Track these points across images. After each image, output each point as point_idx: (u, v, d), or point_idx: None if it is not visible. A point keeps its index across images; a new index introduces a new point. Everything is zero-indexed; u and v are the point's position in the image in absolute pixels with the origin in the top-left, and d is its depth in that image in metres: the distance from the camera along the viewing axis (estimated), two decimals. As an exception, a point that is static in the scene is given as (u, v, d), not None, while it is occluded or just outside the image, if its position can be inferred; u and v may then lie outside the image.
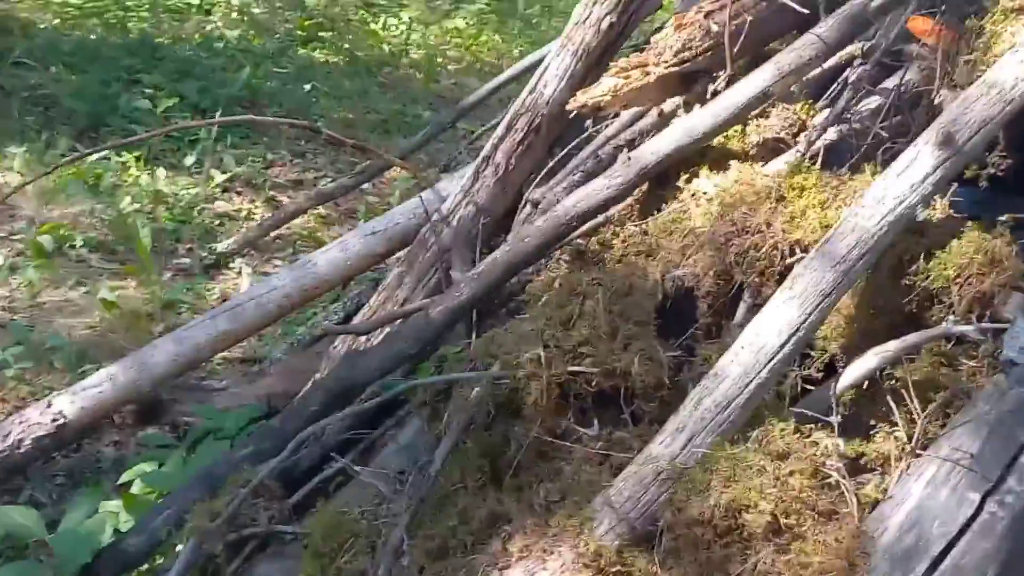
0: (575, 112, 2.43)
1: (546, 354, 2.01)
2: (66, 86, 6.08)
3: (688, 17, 2.35)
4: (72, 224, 4.76)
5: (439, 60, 7.85)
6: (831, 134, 2.15)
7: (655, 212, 2.29)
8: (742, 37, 2.27)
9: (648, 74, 2.34)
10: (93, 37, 6.94)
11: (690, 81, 2.37)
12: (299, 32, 7.73)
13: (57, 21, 7.16)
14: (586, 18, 2.76)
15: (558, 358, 2.01)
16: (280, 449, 2.40)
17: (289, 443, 2.39)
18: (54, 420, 2.78)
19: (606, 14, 2.74)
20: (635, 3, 2.74)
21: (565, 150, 2.82)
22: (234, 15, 7.71)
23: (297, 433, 2.41)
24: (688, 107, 2.38)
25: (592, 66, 2.79)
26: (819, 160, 2.12)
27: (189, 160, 5.44)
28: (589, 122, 2.88)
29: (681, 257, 2.10)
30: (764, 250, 1.96)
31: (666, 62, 2.28)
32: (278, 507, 2.37)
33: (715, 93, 2.32)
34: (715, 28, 2.31)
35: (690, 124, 2.20)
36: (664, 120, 2.40)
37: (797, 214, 1.99)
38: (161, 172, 5.32)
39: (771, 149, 2.25)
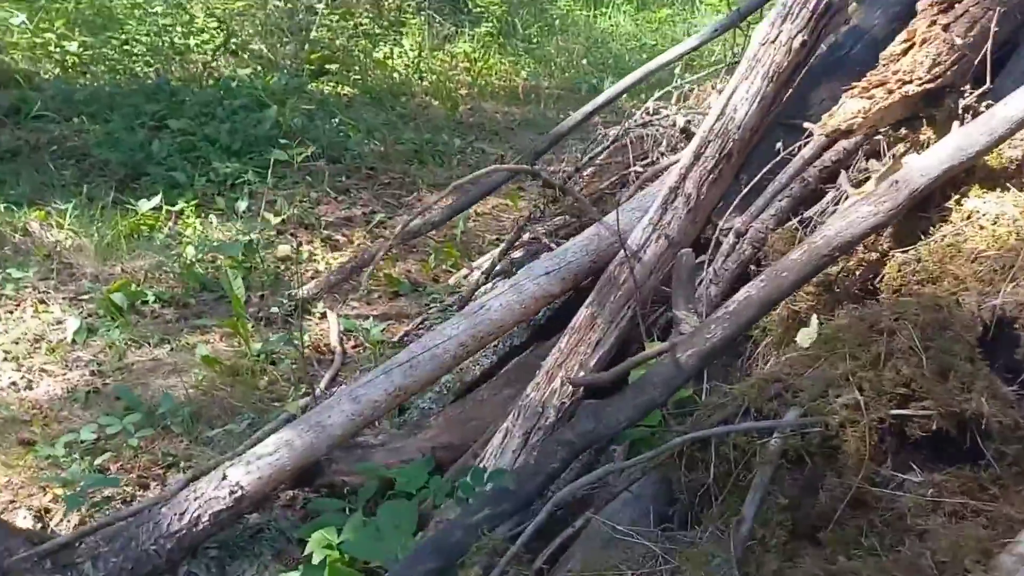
0: (827, 136, 2.28)
1: (864, 397, 1.85)
2: (92, 136, 5.75)
3: (923, 30, 2.21)
4: (139, 279, 4.46)
5: (450, 85, 7.66)
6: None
7: (919, 237, 2.15)
8: (988, 46, 2.14)
9: (892, 93, 2.20)
10: (103, 84, 6.60)
11: (934, 98, 2.24)
12: (307, 66, 7.46)
13: (59, 70, 6.79)
14: (775, 37, 2.62)
15: (876, 401, 1.85)
16: (518, 510, 2.21)
17: (531, 503, 2.19)
18: (232, 492, 2.53)
19: (798, 32, 2.60)
20: (824, 19, 2.60)
21: (758, 175, 2.67)
22: (240, 53, 7.42)
23: (541, 492, 2.21)
24: (941, 125, 2.25)
25: (782, 87, 2.65)
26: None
27: (241, 205, 5.16)
28: (780, 145, 2.74)
29: (981, 284, 1.95)
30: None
31: (920, 79, 2.14)
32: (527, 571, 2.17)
33: (969, 108, 2.20)
34: (959, 41, 2.18)
35: (962, 142, 2.06)
36: (894, 142, 2.27)
37: None
38: (213, 219, 5.05)
39: (1036, 165, 2.13)
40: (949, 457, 1.86)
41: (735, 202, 2.67)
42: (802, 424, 1.90)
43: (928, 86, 2.13)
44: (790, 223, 2.54)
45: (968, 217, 2.07)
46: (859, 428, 1.83)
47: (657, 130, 3.99)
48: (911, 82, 2.14)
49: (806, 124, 2.68)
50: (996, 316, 1.88)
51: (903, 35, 2.25)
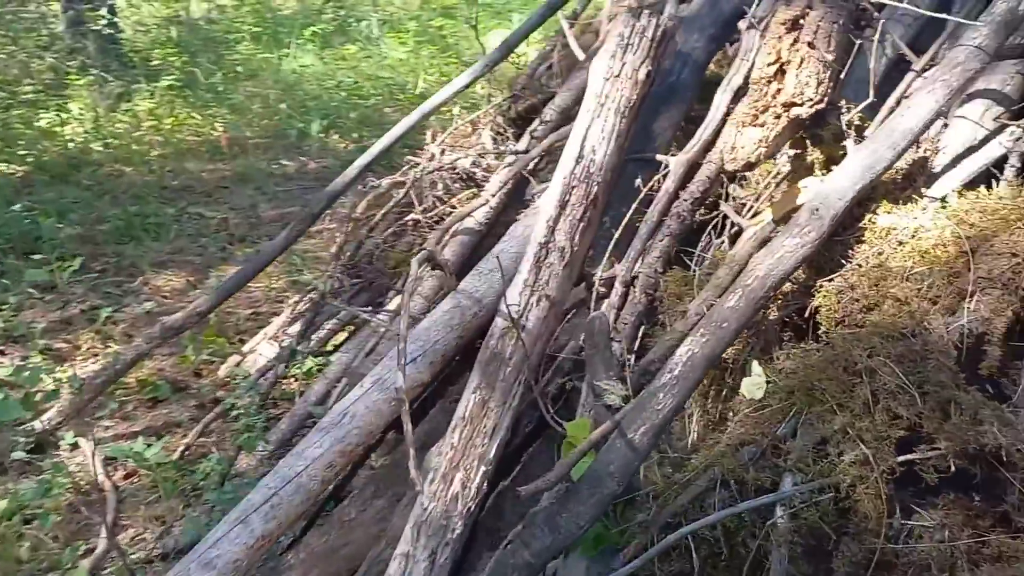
0: (738, 171, 2.11)
1: (869, 450, 1.69)
2: None
3: (788, 49, 2.13)
4: None
5: (139, 148, 6.80)
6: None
7: (838, 262, 2.06)
8: (872, 60, 2.11)
9: (779, 117, 2.09)
10: None
11: (819, 117, 2.16)
12: (-41, 147, 6.27)
13: None
14: (620, 71, 2.43)
15: (880, 451, 1.70)
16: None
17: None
18: None
19: (641, 63, 2.43)
20: (662, 47, 2.46)
21: (625, 217, 2.48)
22: None
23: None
24: (828, 144, 2.17)
25: (633, 120, 2.47)
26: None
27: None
28: (639, 182, 2.56)
29: (928, 303, 1.88)
30: (1068, 276, 1.80)
31: (811, 99, 2.05)
32: None
33: (851, 124, 2.14)
34: (829, 57, 2.12)
35: (869, 160, 1.98)
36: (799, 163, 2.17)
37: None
38: None
39: (926, 171, 2.12)
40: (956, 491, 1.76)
41: (608, 248, 2.45)
42: (810, 491, 1.70)
43: (819, 106, 2.05)
44: (675, 265, 2.38)
45: (886, 235, 2.01)
46: (870, 484, 1.68)
47: (441, 176, 3.71)
48: (801, 104, 2.04)
49: (659, 156, 2.53)
50: (963, 335, 1.81)
51: (768, 56, 2.15)
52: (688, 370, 1.95)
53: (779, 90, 2.10)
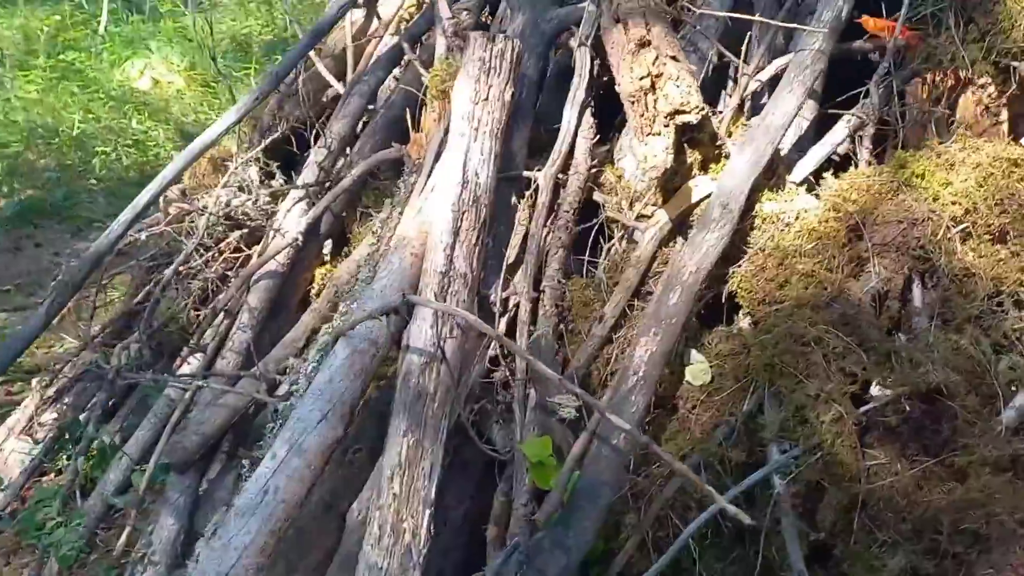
0: (658, 178, 2.21)
1: (841, 407, 1.90)
2: None
3: (652, 63, 2.30)
4: None
5: None
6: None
7: (739, 248, 2.26)
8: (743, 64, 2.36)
9: (668, 126, 2.25)
10: None
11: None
12: None
13: None
14: (487, 94, 2.45)
15: (847, 407, 1.92)
16: None
17: None
18: None
19: (505, 84, 2.47)
20: (519, 67, 2.53)
21: (509, 236, 2.51)
22: None
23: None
24: (706, 146, 2.36)
25: (505, 142, 2.51)
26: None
27: None
28: (514, 200, 2.60)
29: (831, 273, 2.13)
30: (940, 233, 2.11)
31: (697, 107, 2.22)
32: None
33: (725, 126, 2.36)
34: (692, 68, 2.33)
35: (753, 156, 2.20)
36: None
37: (955, 191, 2.16)
38: None
39: (784, 162, 2.39)
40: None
41: (503, 267, 2.47)
42: (804, 455, 1.88)
43: (703, 112, 2.24)
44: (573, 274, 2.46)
45: (775, 220, 2.25)
46: (845, 437, 1.89)
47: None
48: (689, 111, 2.21)
49: (526, 173, 2.59)
50: (873, 296, 2.09)
51: (639, 71, 2.30)
52: (650, 368, 2.04)
53: (656, 100, 2.25)
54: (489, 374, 2.47)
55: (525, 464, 2.20)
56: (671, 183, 2.39)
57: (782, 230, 2.23)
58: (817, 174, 2.40)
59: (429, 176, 2.90)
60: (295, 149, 4.02)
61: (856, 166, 2.33)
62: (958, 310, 2.05)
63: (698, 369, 2.13)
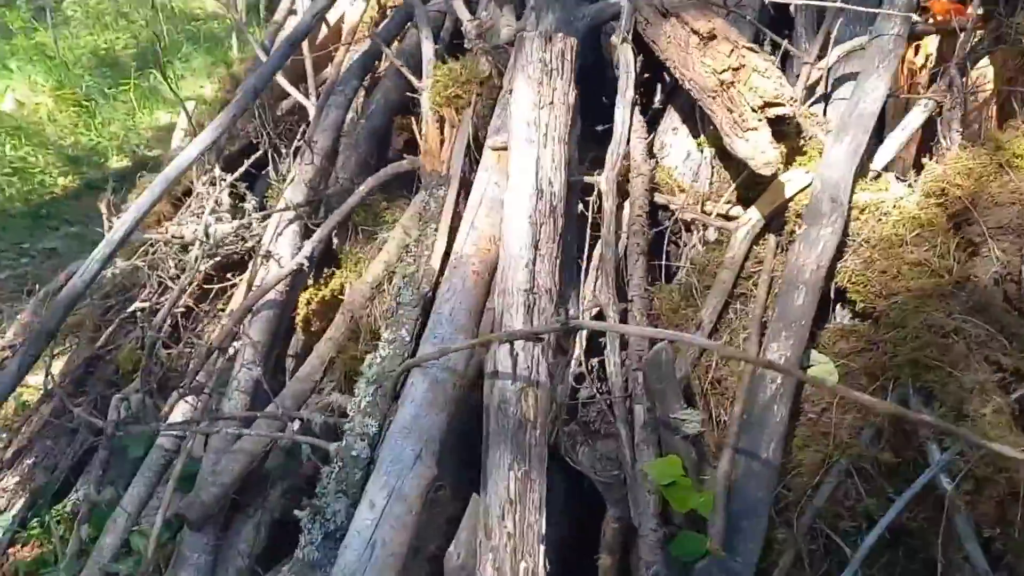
0: (770, 174, 2.09)
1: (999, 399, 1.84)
2: None
3: (733, 58, 2.20)
4: None
5: None
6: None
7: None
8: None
9: (762, 120, 2.16)
10: None
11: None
12: None
13: None
14: (551, 98, 2.28)
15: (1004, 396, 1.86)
16: None
17: None
18: None
19: (569, 87, 2.31)
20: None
21: (587, 246, 2.34)
22: None
23: None
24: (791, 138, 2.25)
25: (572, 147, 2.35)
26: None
27: None
28: (580, 207, 2.44)
29: (943, 260, 2.06)
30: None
31: (791, 98, 2.13)
32: None
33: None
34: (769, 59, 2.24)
35: (852, 146, 2.11)
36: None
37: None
38: None
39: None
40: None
41: (581, 279, 2.30)
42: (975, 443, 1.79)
43: (796, 103, 2.14)
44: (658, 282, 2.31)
45: (873, 210, 2.16)
46: (1005, 426, 1.83)
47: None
48: (783, 103, 2.10)
49: (587, 178, 2.43)
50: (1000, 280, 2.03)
51: (712, 64, 2.19)
52: (790, 367, 1.93)
53: (741, 94, 2.14)
54: (574, 394, 2.31)
55: (646, 486, 2.05)
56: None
57: (880, 220, 2.15)
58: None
59: (464, 190, 2.72)
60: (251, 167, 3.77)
61: (940, 151, 2.27)
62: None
63: (824, 370, 2.02)
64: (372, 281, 3.02)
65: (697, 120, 2.51)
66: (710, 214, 2.33)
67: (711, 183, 2.40)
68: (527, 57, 2.29)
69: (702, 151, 2.43)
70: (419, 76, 3.02)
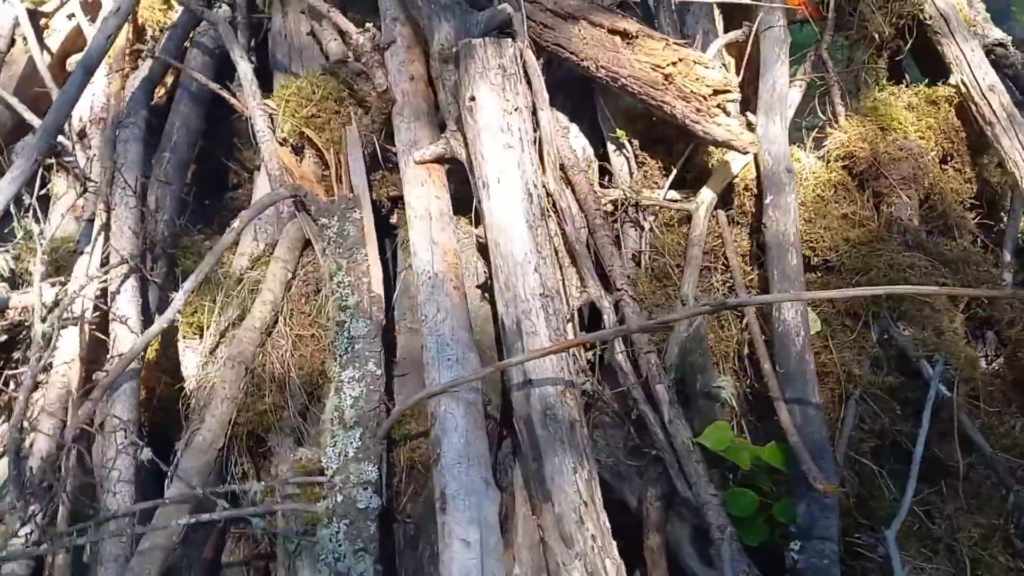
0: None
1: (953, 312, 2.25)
2: None
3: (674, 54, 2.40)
4: None
5: None
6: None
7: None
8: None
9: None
10: None
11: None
12: None
13: None
14: (517, 104, 2.29)
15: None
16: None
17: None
18: None
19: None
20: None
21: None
22: None
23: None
24: None
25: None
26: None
27: None
28: None
29: (864, 211, 2.44)
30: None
31: (735, 85, 2.36)
32: None
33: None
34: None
35: (782, 124, 2.43)
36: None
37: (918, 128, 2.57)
38: None
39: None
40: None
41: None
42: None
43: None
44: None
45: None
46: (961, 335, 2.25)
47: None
48: (732, 90, 2.34)
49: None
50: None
51: (649, 59, 2.36)
52: (805, 325, 2.18)
53: (687, 85, 2.34)
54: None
55: (694, 457, 2.17)
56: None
57: (803, 185, 2.48)
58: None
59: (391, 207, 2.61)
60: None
61: (829, 122, 2.66)
62: (959, 220, 2.53)
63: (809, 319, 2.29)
64: (260, 326, 2.75)
65: (602, 115, 2.65)
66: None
67: (641, 171, 2.55)
68: (484, 64, 2.27)
69: (622, 144, 2.58)
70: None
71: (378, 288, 2.52)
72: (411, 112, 2.66)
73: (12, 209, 3.35)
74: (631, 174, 2.61)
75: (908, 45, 2.67)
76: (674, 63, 2.35)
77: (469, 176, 2.50)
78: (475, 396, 2.14)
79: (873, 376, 2.20)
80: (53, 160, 3.59)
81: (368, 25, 2.63)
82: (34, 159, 2.71)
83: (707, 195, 2.45)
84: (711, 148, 2.50)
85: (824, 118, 2.64)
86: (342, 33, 2.79)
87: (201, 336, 2.92)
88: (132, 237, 2.90)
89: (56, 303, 2.83)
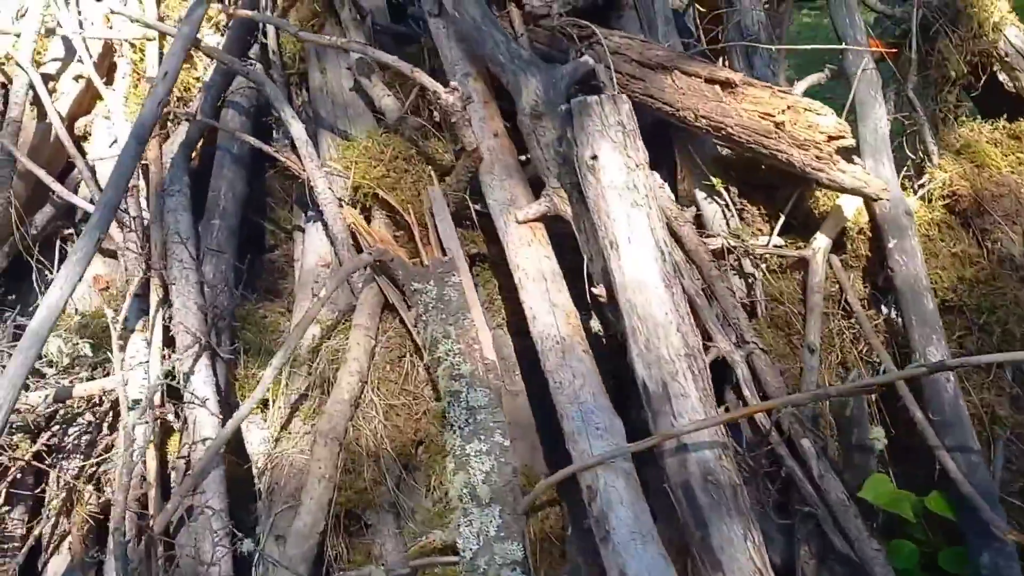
0: None
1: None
2: None
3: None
4: None
5: None
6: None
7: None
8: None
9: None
10: None
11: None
12: None
13: None
14: (637, 160, 2.22)
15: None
16: None
17: None
18: None
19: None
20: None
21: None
22: None
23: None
24: None
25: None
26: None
27: None
28: None
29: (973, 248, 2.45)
30: None
31: (848, 131, 2.35)
32: None
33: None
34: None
35: (890, 164, 2.42)
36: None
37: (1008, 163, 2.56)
38: None
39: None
40: None
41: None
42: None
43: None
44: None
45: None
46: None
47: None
48: (846, 135, 2.33)
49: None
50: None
51: (759, 108, 2.34)
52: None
53: (800, 132, 2.32)
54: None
55: (851, 511, 2.12)
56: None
57: (912, 226, 2.48)
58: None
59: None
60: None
61: (921, 161, 2.67)
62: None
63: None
64: (349, 398, 2.63)
65: (691, 164, 2.62)
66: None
67: (740, 219, 2.52)
68: (603, 121, 2.20)
69: (717, 193, 2.55)
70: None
71: (490, 354, 2.42)
72: (502, 169, 2.58)
73: (37, 287, 3.19)
74: (727, 222, 2.56)
75: (981, 82, 2.69)
76: (783, 111, 2.32)
77: (578, 233, 2.44)
78: (630, 466, 2.05)
79: (1018, 415, 2.19)
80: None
81: (452, 84, 2.53)
82: (97, 238, 2.54)
83: (823, 241, 2.42)
84: (816, 193, 2.47)
85: (915, 157, 2.64)
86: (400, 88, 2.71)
87: (263, 411, 2.78)
88: (198, 312, 2.74)
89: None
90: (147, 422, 2.45)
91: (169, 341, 2.77)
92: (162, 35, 3.39)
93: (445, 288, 2.49)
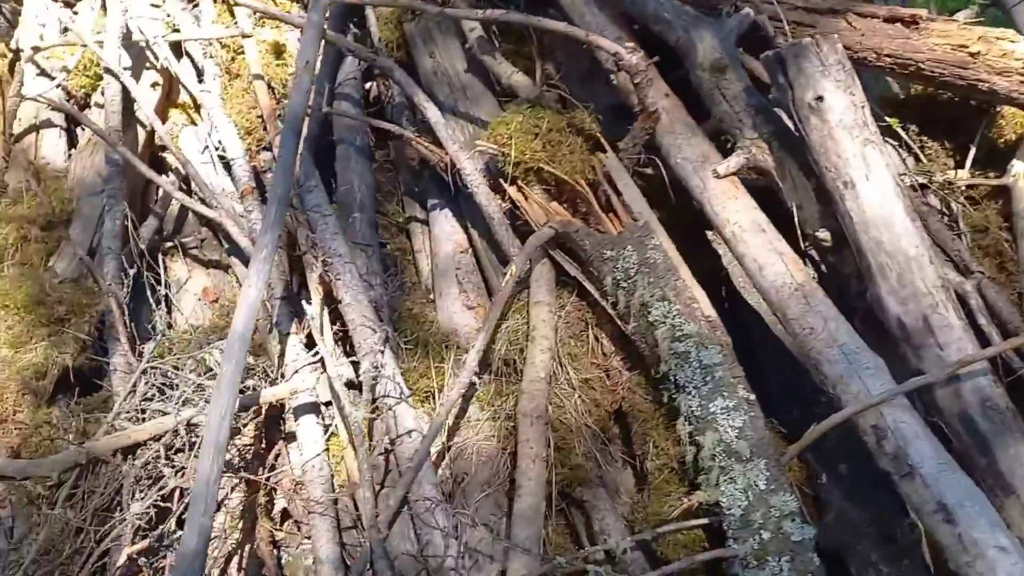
0: None
1: None
2: None
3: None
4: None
5: None
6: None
7: None
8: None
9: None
10: None
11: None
12: None
13: None
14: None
15: None
16: None
17: None
18: None
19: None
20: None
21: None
22: None
23: None
24: None
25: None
26: None
27: None
28: None
29: None
30: None
31: None
32: None
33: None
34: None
35: None
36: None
37: None
38: None
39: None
40: None
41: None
42: None
43: None
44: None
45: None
46: None
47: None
48: None
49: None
50: None
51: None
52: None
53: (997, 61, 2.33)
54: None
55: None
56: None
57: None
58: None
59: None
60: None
61: None
62: None
63: None
64: (544, 376, 2.56)
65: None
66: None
67: (923, 156, 2.53)
68: (823, 61, 2.17)
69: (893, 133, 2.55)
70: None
71: (710, 311, 2.37)
72: (684, 127, 2.53)
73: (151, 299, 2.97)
74: (903, 162, 2.56)
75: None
76: (976, 40, 2.33)
77: (781, 183, 2.40)
78: (907, 403, 2.02)
79: None
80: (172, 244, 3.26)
81: (630, 44, 2.47)
82: (278, 233, 2.42)
83: (1021, 166, 2.43)
84: (1000, 122, 2.49)
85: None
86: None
87: (430, 401, 2.69)
88: (369, 305, 2.64)
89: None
90: (362, 418, 2.34)
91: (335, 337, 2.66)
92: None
93: (647, 251, 2.43)
